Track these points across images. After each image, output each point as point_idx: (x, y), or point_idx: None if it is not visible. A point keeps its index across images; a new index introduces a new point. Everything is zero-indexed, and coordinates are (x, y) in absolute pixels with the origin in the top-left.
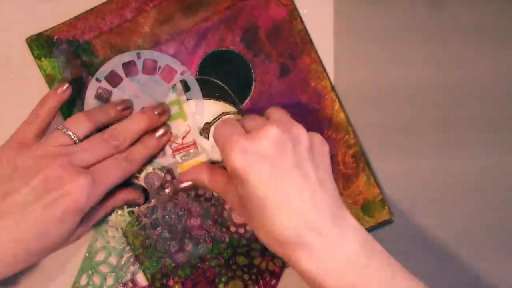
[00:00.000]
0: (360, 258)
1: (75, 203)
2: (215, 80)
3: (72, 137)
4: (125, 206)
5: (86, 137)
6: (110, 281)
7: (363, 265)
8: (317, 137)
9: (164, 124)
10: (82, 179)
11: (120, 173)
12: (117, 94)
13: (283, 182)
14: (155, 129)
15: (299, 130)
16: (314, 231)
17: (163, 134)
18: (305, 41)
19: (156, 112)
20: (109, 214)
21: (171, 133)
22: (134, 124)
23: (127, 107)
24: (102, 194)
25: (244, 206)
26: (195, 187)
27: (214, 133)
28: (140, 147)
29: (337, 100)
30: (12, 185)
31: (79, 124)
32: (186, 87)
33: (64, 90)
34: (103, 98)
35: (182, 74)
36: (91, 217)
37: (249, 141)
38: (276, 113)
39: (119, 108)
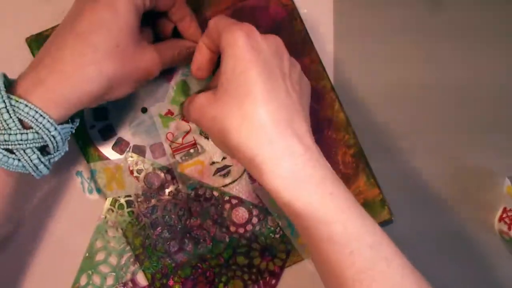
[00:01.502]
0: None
1: None
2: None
3: None
4: (125, 206)
5: None
6: (110, 281)
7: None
8: (307, 79)
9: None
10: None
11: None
12: None
13: (272, 83)
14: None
15: (295, 60)
16: (269, 141)
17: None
18: (305, 41)
19: None
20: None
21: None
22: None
23: None
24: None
25: (224, 87)
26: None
27: (211, 23)
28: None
29: (337, 100)
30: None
31: None
32: (186, 87)
33: None
34: None
35: (182, 74)
36: (161, 50)
37: (258, 34)
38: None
39: None
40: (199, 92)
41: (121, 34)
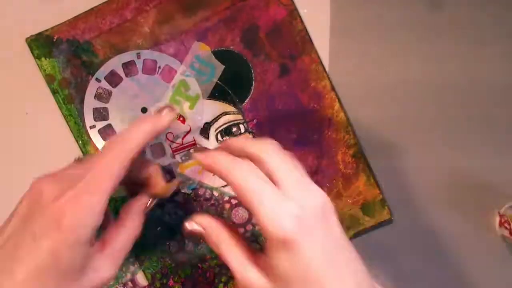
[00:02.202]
0: None
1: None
2: (215, 80)
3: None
4: None
5: None
6: None
7: None
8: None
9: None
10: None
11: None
12: (117, 93)
13: (337, 254)
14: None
15: (319, 191)
16: None
17: (169, 112)
18: (305, 41)
19: None
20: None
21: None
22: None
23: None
24: (111, 190)
25: (282, 282)
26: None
27: (233, 183)
28: (133, 125)
29: (337, 100)
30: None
31: None
32: (186, 86)
33: None
34: (103, 98)
35: (181, 73)
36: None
37: (296, 203)
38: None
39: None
40: None
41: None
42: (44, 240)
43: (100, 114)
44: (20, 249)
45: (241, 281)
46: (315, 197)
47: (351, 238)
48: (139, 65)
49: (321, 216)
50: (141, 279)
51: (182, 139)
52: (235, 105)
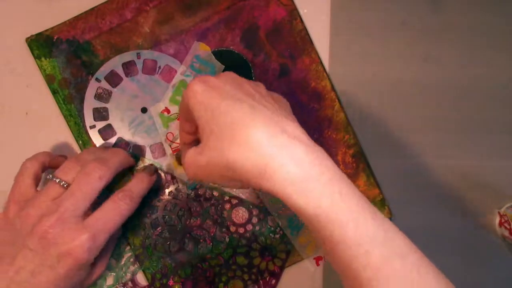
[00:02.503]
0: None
1: (78, 261)
2: None
3: (64, 185)
4: None
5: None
6: (110, 281)
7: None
8: (278, 94)
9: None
10: (79, 238)
11: (120, 216)
12: (117, 93)
13: (245, 104)
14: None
15: (257, 81)
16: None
17: (151, 170)
18: (305, 41)
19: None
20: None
21: (159, 172)
22: (118, 156)
23: (152, 172)
24: (105, 241)
25: (206, 134)
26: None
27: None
28: (134, 182)
29: (337, 100)
30: (16, 247)
31: (69, 171)
32: (186, 87)
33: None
34: (103, 98)
35: (181, 74)
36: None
37: (210, 77)
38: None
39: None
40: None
41: None
42: (61, 268)
43: (100, 114)
44: (39, 275)
45: (187, 162)
46: (226, 73)
47: None
48: (139, 65)
49: (231, 82)
50: (141, 279)
51: None
52: None
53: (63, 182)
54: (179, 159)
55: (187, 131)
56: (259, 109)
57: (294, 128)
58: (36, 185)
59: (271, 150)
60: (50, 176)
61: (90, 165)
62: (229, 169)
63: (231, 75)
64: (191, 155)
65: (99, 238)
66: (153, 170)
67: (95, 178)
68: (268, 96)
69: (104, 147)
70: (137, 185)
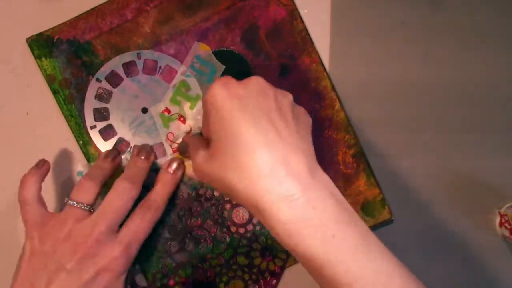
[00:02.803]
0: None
1: (115, 273)
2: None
3: (85, 208)
4: None
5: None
6: None
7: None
8: (302, 109)
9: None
10: (115, 251)
11: (149, 225)
12: (118, 94)
13: (258, 126)
14: (168, 163)
15: (285, 91)
16: (289, 169)
17: (177, 168)
18: (305, 41)
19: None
20: None
21: (183, 165)
22: (139, 163)
23: (115, 155)
24: (137, 251)
25: (215, 139)
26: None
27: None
28: (158, 188)
29: (337, 100)
30: (50, 271)
31: (85, 191)
32: (187, 87)
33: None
34: (104, 98)
35: (182, 74)
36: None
37: (235, 82)
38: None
39: (109, 159)
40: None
41: None
42: (99, 284)
43: (101, 114)
44: None
45: (194, 164)
46: (252, 79)
47: None
48: (140, 65)
49: (256, 92)
50: (141, 279)
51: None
52: None
53: (84, 205)
54: (182, 148)
55: (204, 126)
56: (272, 133)
57: (298, 161)
58: (44, 205)
59: (268, 185)
60: (70, 202)
61: (120, 186)
62: (227, 189)
63: (259, 83)
64: (199, 160)
65: (132, 249)
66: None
67: (127, 199)
68: (289, 112)
69: (107, 156)
70: (162, 191)
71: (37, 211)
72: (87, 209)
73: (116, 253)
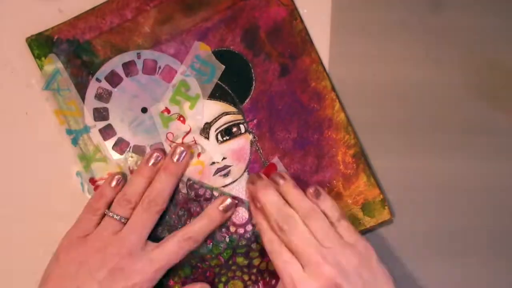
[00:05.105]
0: None
1: None
2: (216, 80)
3: (122, 220)
4: None
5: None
6: None
7: None
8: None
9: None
10: (149, 270)
11: (184, 255)
12: (117, 94)
13: None
14: (221, 201)
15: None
16: None
17: (229, 206)
18: (305, 41)
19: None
20: None
21: (235, 208)
22: (164, 184)
23: (156, 161)
24: (166, 270)
25: None
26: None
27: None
28: (204, 223)
29: (337, 100)
30: (81, 281)
31: (125, 205)
32: (186, 87)
33: (118, 183)
34: (103, 98)
35: (182, 74)
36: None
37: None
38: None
39: (148, 173)
40: None
41: None
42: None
43: (100, 114)
44: None
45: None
46: (323, 274)
47: None
48: (139, 65)
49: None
50: None
51: (182, 139)
52: (235, 105)
53: (122, 218)
54: None
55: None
56: None
57: None
58: (99, 223)
59: None
60: (110, 214)
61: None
62: None
63: (368, 257)
64: None
65: (162, 272)
66: (231, 202)
67: (154, 213)
68: (369, 284)
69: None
70: (206, 228)
71: (89, 223)
72: (123, 221)
73: (149, 274)
